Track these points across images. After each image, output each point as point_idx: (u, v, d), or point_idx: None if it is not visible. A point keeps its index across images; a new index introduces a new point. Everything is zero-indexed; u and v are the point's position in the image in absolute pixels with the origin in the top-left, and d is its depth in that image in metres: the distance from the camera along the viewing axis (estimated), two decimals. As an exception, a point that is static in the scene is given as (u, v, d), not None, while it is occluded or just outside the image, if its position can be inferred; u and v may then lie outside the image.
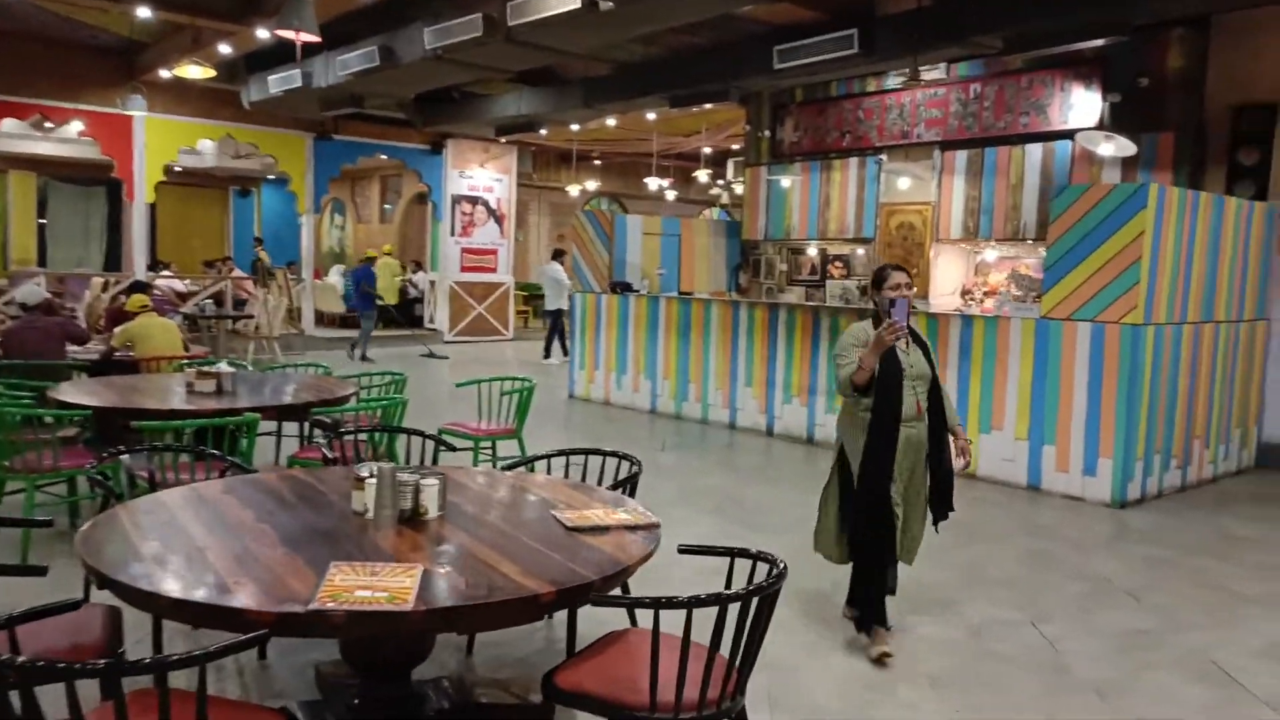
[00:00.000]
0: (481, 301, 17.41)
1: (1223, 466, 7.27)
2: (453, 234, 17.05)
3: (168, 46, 11.88)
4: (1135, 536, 5.70)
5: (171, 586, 2.35)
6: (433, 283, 17.49)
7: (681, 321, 9.45)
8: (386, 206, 21.68)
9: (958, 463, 3.91)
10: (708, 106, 11.74)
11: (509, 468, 4.03)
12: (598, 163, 22.14)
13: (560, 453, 4.05)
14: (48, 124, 14.71)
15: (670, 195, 20.25)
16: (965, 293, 9.89)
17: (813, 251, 11.23)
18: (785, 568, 2.51)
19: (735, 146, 17.35)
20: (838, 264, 11.40)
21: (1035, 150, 8.82)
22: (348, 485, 3.22)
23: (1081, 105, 8.50)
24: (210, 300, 13.71)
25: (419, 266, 18.86)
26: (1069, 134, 8.51)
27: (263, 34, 9.97)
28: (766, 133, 11.24)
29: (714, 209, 26.91)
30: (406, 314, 18.30)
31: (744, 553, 2.73)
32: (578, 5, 7.02)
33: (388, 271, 16.41)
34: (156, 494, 3.22)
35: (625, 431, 8.81)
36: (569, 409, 10.08)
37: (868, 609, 3.84)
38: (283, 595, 2.27)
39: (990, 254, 9.48)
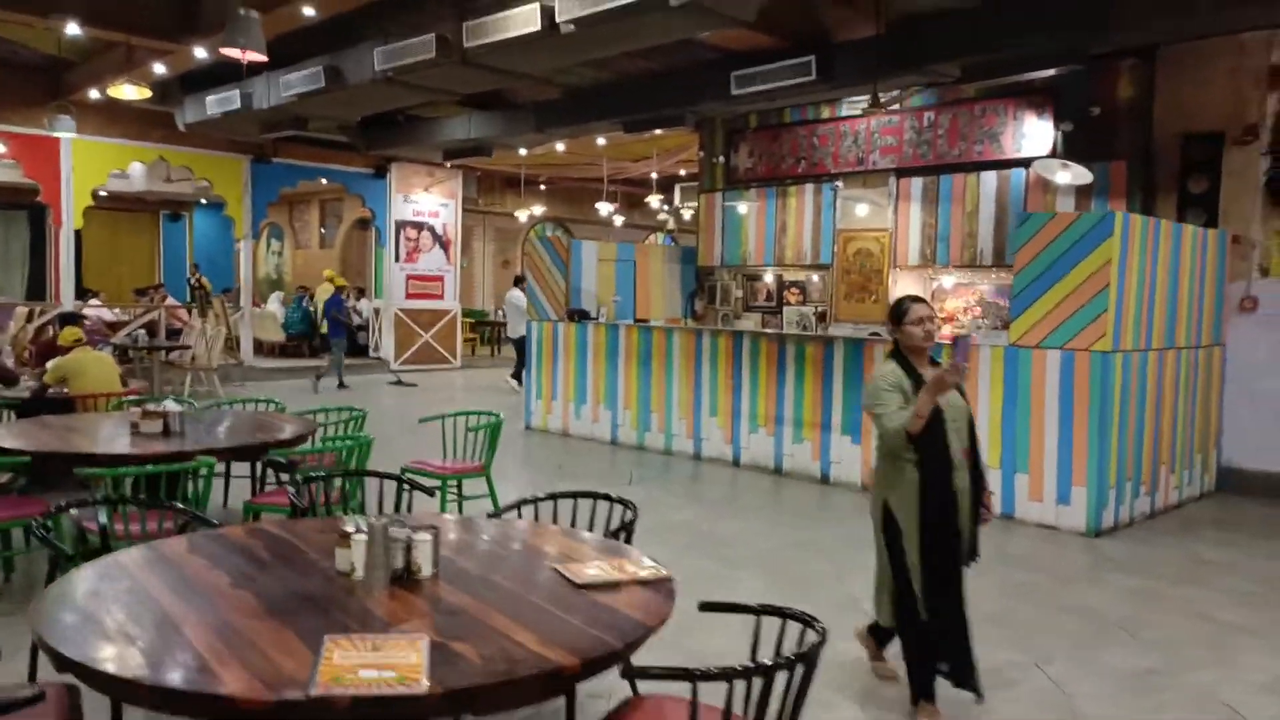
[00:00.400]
0: (428, 329, 17.02)
1: (1186, 492, 7.33)
2: (397, 260, 16.66)
3: (97, 65, 11.38)
4: (1114, 566, 5.67)
5: (145, 670, 2.07)
6: (377, 310, 17.05)
7: (642, 350, 9.27)
8: (323, 230, 21.17)
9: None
10: (659, 132, 11.67)
11: (496, 514, 3.79)
12: (543, 188, 21.95)
13: (550, 496, 3.82)
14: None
15: (619, 220, 20.13)
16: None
17: (769, 278, 11.18)
18: (825, 630, 2.33)
19: (684, 172, 17.37)
20: (794, 290, 11.37)
21: (990, 178, 8.90)
22: (326, 540, 2.96)
23: (1034, 134, 8.60)
24: (143, 330, 13.11)
25: (362, 293, 18.40)
26: (1023, 162, 8.60)
27: (201, 53, 9.59)
28: (721, 158, 11.19)
29: (660, 234, 26.96)
30: (350, 342, 17.84)
31: (776, 611, 2.55)
32: (538, 28, 6.85)
33: (326, 297, 15.95)
34: (114, 554, 2.91)
35: (588, 464, 8.58)
36: (527, 441, 9.81)
37: (920, 679, 3.52)
38: (276, 678, 2.02)
39: (948, 280, 9.52)
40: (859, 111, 9.65)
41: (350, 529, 2.76)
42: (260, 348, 16.64)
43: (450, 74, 8.32)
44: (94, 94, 11.83)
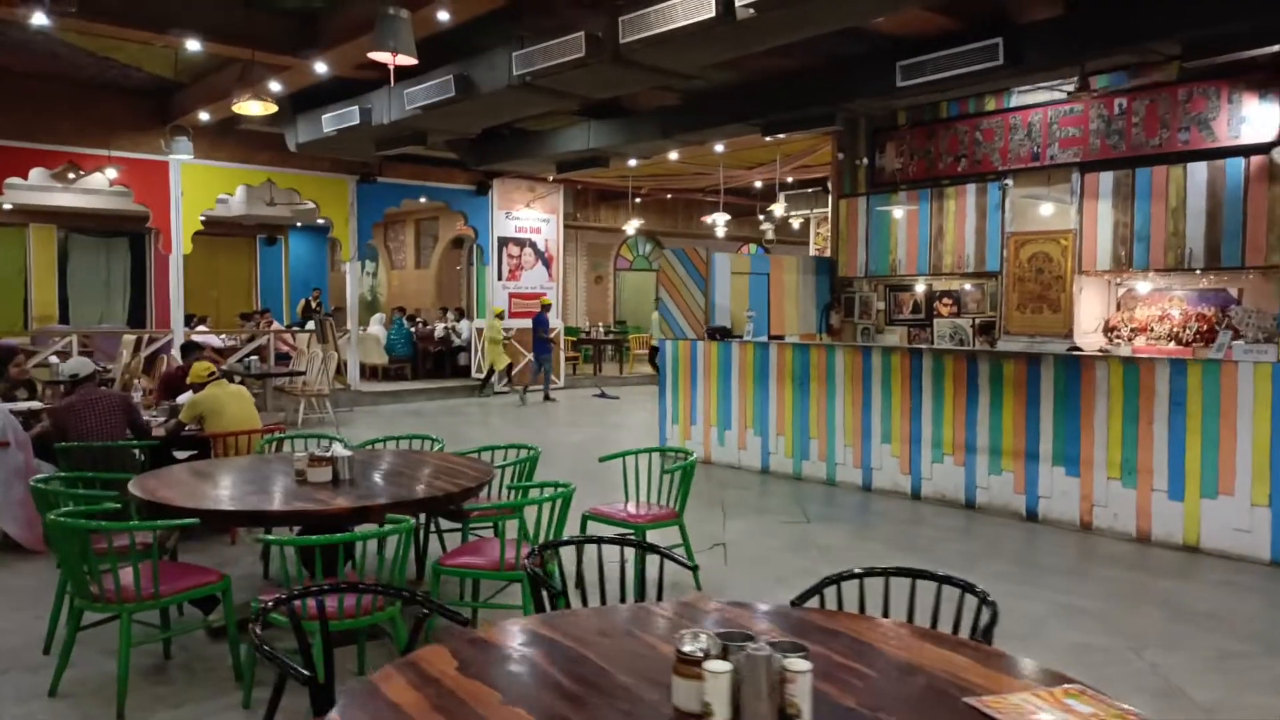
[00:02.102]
0: (531, 349, 16.42)
1: None
2: (500, 278, 16.14)
3: (209, 86, 11.04)
4: None
5: None
6: (480, 330, 16.53)
7: (799, 370, 8.44)
8: (417, 252, 20.84)
9: None
10: (782, 137, 10.84)
11: (799, 602, 2.99)
12: (638, 201, 21.29)
13: (892, 571, 3.02)
14: (77, 172, 13.91)
15: (720, 232, 19.34)
16: (1110, 329, 8.89)
17: (920, 288, 10.25)
18: None
19: (791, 180, 16.51)
20: (946, 301, 10.42)
21: (1199, 169, 7.87)
22: (621, 652, 2.22)
23: (1257, 118, 7.56)
24: (254, 356, 12.73)
25: (461, 314, 17.92)
26: (1242, 150, 7.57)
27: (320, 68, 9.10)
28: (864, 160, 10.31)
29: (752, 246, 26.10)
30: (449, 363, 17.37)
31: None
32: (712, 14, 6.10)
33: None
34: (371, 682, 2.18)
35: (743, 497, 7.77)
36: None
37: None
38: None
39: (1143, 286, 8.48)
40: (1037, 101, 8.69)
41: (690, 647, 2.00)
42: (363, 371, 16.26)
43: (597, 75, 7.64)
44: (204, 116, 11.51)
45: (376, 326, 16.95)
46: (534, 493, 4.63)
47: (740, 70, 9.20)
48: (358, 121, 9.99)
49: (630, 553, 3.64)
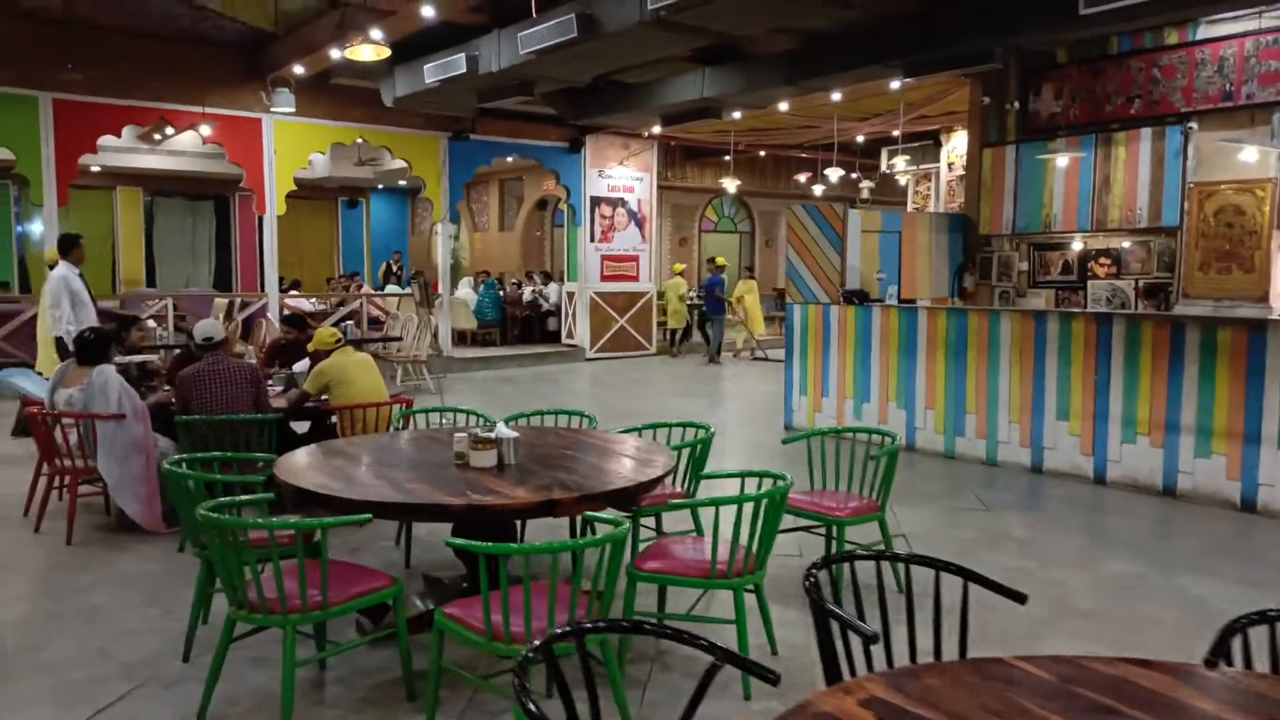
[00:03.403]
0: (623, 314, 15.81)
1: None
2: (592, 240, 15.48)
3: (303, 39, 10.50)
4: None
5: None
6: (570, 294, 15.93)
7: (955, 337, 7.62)
8: (502, 213, 20.28)
9: None
10: (909, 81, 9.90)
11: (1214, 660, 2.26)
12: (727, 159, 20.39)
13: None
14: (166, 131, 13.58)
15: (818, 190, 18.38)
16: (1306, 292, 7.88)
17: (1076, 245, 9.30)
18: None
19: (897, 133, 15.47)
20: (1104, 261, 9.45)
21: None
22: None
23: None
24: (349, 321, 12.31)
25: (549, 278, 17.33)
26: None
27: (427, 11, 8.46)
28: (1015, 104, 9.34)
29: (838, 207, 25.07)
30: (538, 328, 16.84)
31: None
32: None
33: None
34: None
35: (902, 479, 6.98)
36: (802, 447, 8.26)
37: None
38: None
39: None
40: (1232, 31, 7.66)
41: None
42: (451, 337, 15.82)
43: (741, 7, 6.84)
44: (299, 70, 11.00)
45: (465, 290, 16.47)
46: (713, 486, 3.95)
47: (876, 7, 8.31)
48: (463, 70, 9.34)
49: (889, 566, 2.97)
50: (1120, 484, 6.66)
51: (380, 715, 3.26)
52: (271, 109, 10.68)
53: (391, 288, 17.76)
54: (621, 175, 15.75)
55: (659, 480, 3.77)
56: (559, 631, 2.05)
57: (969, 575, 2.54)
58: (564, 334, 16.24)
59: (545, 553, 2.77)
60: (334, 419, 5.98)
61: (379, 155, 16.70)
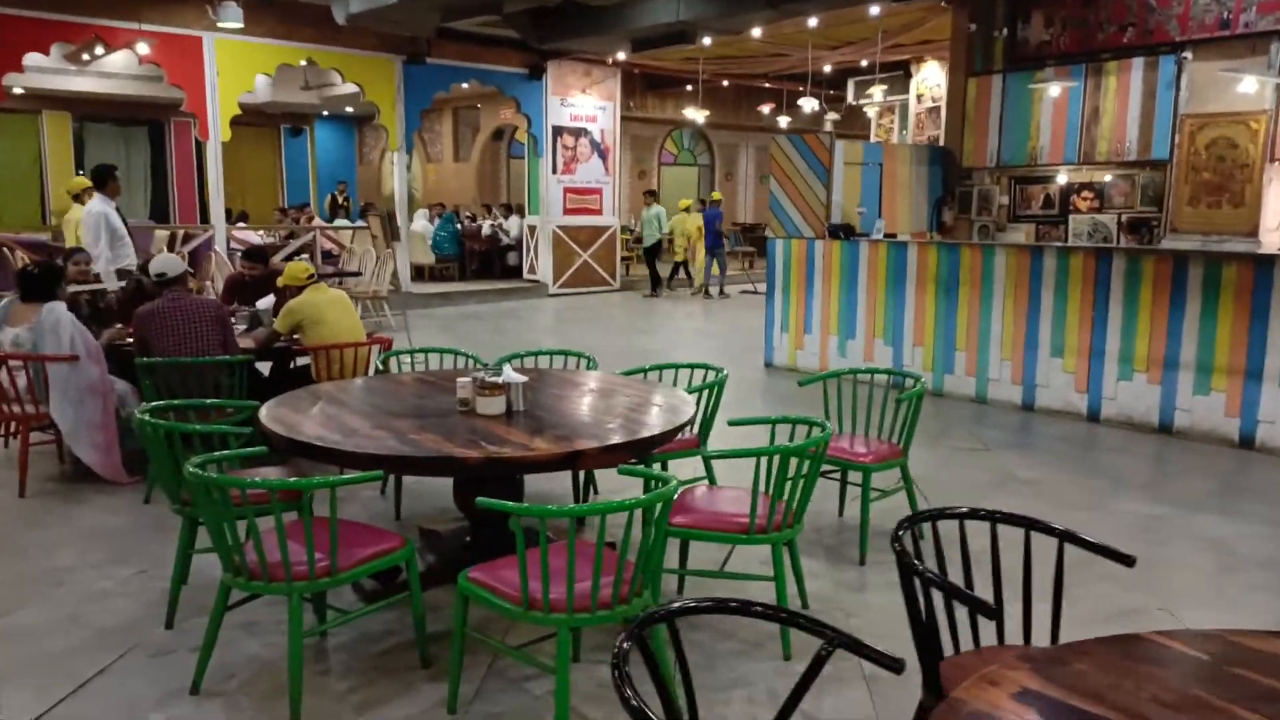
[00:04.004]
0: (587, 248, 15.39)
1: None
2: (554, 171, 14.95)
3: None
4: None
5: None
6: (532, 228, 15.43)
7: (946, 273, 7.43)
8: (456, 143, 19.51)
9: None
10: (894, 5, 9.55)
11: None
12: (689, 89, 19.83)
13: None
14: (95, 51, 12.64)
15: (783, 121, 17.99)
16: (1293, 227, 7.83)
17: (1061, 180, 9.13)
18: None
19: (865, 63, 15.08)
20: (1086, 195, 9.31)
21: None
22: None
23: None
24: (303, 255, 11.73)
25: (510, 210, 16.77)
26: None
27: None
28: (1003, 31, 9.05)
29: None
30: (498, 263, 16.34)
31: None
32: None
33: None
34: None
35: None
36: (778, 383, 8.09)
37: None
38: None
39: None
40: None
41: None
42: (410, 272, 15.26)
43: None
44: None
45: (421, 223, 15.86)
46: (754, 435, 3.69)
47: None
48: (427, -16, 8.73)
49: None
50: (1115, 422, 6.58)
51: (396, 685, 2.99)
52: (219, 24, 9.92)
53: (339, 221, 17.05)
54: (584, 104, 15.17)
55: (683, 428, 3.50)
56: (653, 612, 1.77)
57: (1069, 537, 2.31)
58: (525, 269, 15.78)
59: (592, 514, 2.48)
60: (306, 361, 5.59)
61: (327, 79, 15.85)
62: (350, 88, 13.54)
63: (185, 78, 11.14)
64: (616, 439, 3.23)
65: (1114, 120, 8.37)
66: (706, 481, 4.32)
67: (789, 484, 3.19)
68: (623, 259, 16.63)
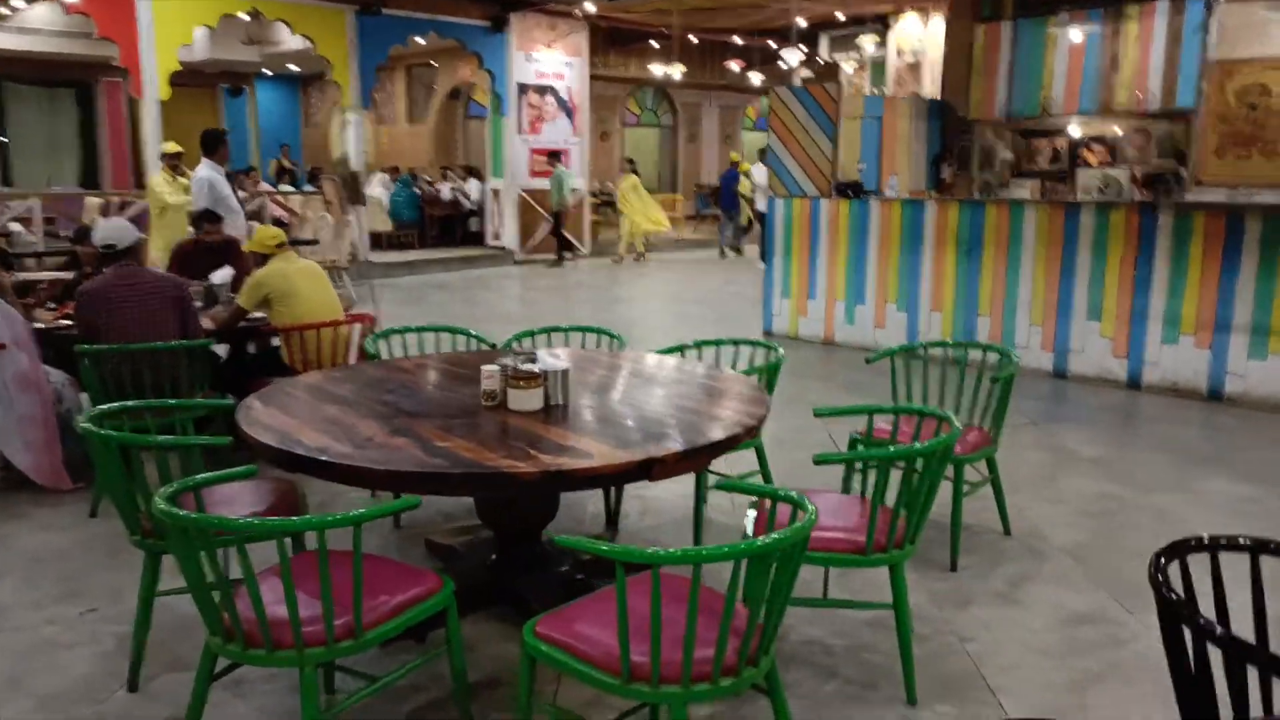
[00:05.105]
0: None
1: None
2: (519, 131, 14.11)
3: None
4: None
5: None
6: (496, 192, 14.59)
7: (968, 233, 6.89)
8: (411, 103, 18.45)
9: None
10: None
11: None
12: (655, 45, 18.99)
13: None
14: (18, 2, 11.49)
15: (756, 79, 17.30)
16: (1323, 179, 7.41)
17: (1074, 131, 8.63)
18: None
19: (842, 16, 14.43)
20: (1096, 148, 8.83)
21: None
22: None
23: None
24: (252, 221, 10.79)
25: (471, 173, 15.89)
26: None
27: None
28: (1013, -25, 8.48)
29: (764, 98, 23.92)
30: (460, 229, 15.50)
31: None
32: None
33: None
34: None
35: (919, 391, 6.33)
36: (805, 357, 7.50)
37: None
38: None
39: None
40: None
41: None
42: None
43: None
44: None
45: (378, 188, 14.94)
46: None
47: None
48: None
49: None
50: (1158, 388, 6.13)
51: (433, 764, 2.35)
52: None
53: (285, 186, 16.00)
54: (550, 60, 14.32)
55: (764, 421, 2.88)
56: None
57: None
58: (489, 235, 14.97)
59: (724, 559, 1.84)
60: (272, 343, 4.87)
61: (272, 33, 14.78)
62: (297, 42, 12.56)
63: (117, 30, 10.11)
64: (694, 439, 2.60)
65: (1135, 68, 7.87)
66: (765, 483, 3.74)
67: (912, 492, 2.59)
68: (592, 223, 15.88)
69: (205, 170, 7.05)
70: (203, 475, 2.29)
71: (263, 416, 2.79)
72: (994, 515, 3.78)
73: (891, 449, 2.55)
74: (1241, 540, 1.75)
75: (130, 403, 2.97)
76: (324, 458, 2.41)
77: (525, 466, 2.37)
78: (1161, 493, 4.27)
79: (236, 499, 2.85)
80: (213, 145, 7.09)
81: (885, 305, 7.51)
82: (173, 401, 3.09)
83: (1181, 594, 1.66)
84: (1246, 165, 7.31)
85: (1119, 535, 3.78)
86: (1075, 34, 8.07)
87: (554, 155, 13.79)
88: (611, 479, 2.55)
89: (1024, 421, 5.55)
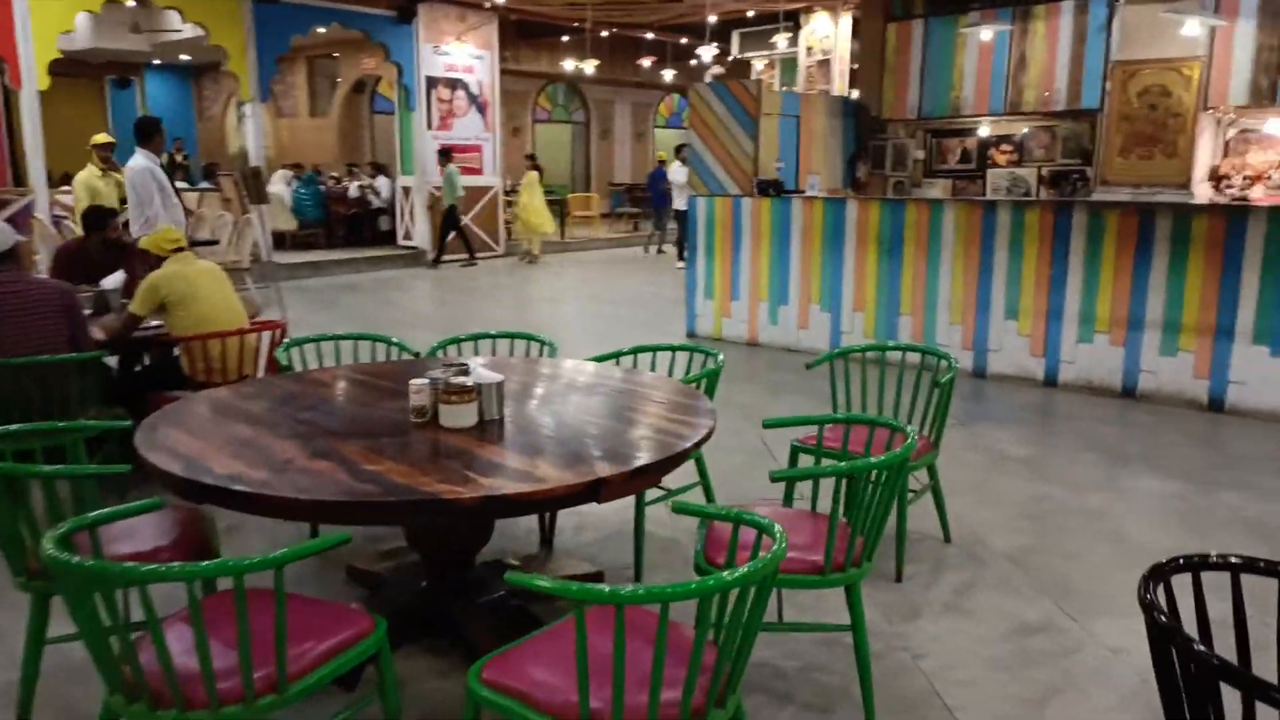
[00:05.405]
0: (467, 211, 14.24)
1: None
2: (429, 127, 13.72)
3: None
4: None
5: None
6: (406, 189, 14.16)
7: (889, 232, 6.92)
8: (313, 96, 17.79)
9: None
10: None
11: None
12: (565, 39, 18.76)
13: None
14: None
15: (668, 74, 17.23)
16: (1218, 178, 7.73)
17: (983, 131, 8.79)
18: None
19: (752, 13, 14.48)
20: (1005, 148, 9.02)
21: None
22: None
23: None
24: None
25: (380, 170, 15.39)
26: None
27: None
28: (924, -25, 8.58)
29: (676, 95, 23.89)
30: (369, 228, 14.99)
31: None
32: None
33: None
34: None
35: (822, 387, 6.32)
36: (741, 360, 7.38)
37: None
38: None
39: (1275, 125, 7.28)
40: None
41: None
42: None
43: None
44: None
45: (280, 185, 14.32)
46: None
47: None
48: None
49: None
50: (1073, 386, 6.25)
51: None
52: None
53: (179, 184, 15.21)
54: (460, 53, 13.96)
55: (711, 434, 2.75)
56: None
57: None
58: (400, 235, 14.52)
59: (692, 597, 1.69)
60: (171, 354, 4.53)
61: (162, 20, 14.01)
62: (190, 30, 11.92)
63: (-12, 14, 9.38)
64: (642, 457, 2.45)
65: (1042, 68, 8.05)
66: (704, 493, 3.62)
67: (868, 507, 2.50)
68: (506, 223, 15.56)
69: (142, 160, 6.75)
70: (98, 513, 2.03)
71: (165, 439, 2.52)
72: (933, 522, 3.75)
73: (856, 463, 2.44)
74: (1234, 558, 1.69)
75: (12, 426, 2.65)
76: (237, 487, 2.17)
77: (463, 491, 2.18)
78: (1093, 493, 4.32)
79: (137, 532, 2.58)
80: (148, 134, 6.81)
81: (809, 305, 7.49)
82: (61, 424, 2.77)
83: (1167, 614, 1.59)
84: (1149, 165, 7.55)
85: (1056, 538, 3.79)
86: (985, 33, 8.22)
87: (444, 154, 13.22)
88: (557, 503, 2.37)
89: (952, 422, 5.52)
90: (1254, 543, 3.78)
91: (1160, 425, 5.46)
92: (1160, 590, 1.65)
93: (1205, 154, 7.59)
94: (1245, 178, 7.56)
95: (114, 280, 5.11)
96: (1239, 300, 5.56)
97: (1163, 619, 1.55)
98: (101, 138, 7.80)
